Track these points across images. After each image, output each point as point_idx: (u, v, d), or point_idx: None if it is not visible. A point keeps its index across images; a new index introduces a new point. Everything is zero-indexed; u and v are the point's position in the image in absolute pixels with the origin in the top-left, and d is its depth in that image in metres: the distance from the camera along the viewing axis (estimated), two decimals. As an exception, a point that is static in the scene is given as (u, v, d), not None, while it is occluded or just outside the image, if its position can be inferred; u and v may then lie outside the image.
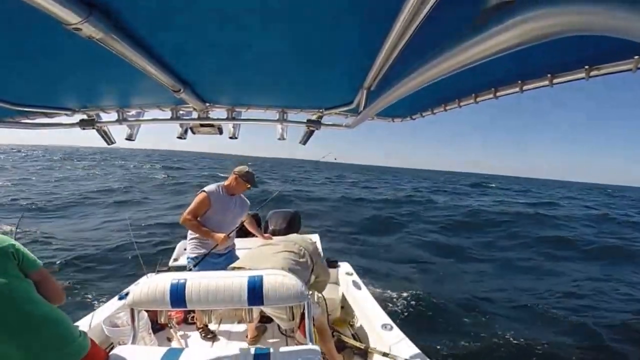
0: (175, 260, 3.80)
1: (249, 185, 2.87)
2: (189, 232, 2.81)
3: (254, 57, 1.15)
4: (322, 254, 2.44)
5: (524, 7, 0.44)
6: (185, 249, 3.87)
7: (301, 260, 2.18)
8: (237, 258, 2.71)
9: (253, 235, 3.46)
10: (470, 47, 0.59)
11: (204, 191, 2.73)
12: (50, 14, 0.63)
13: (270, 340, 2.78)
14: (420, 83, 0.87)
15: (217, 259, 2.76)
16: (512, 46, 0.50)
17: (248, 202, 3.06)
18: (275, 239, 2.82)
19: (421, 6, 0.60)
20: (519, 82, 1.17)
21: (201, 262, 2.69)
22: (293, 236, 2.62)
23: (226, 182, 2.87)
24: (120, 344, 2.19)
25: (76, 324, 1.45)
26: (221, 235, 2.67)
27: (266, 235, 3.37)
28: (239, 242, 3.13)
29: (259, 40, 1.00)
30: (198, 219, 2.69)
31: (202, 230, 2.68)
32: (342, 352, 2.46)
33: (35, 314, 1.29)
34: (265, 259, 2.14)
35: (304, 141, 2.15)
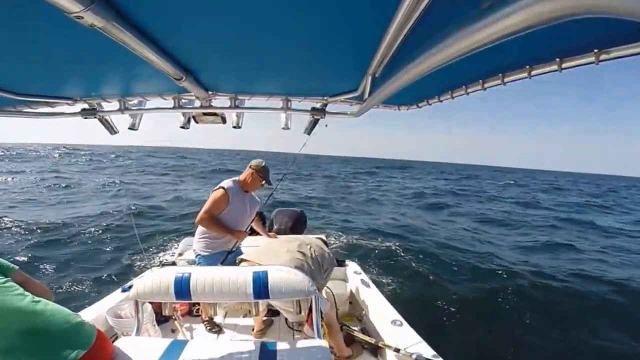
0: (180, 255, 3.81)
1: (263, 182, 2.77)
2: (199, 230, 2.74)
3: (257, 44, 1.13)
4: (331, 255, 2.42)
5: None
6: (190, 245, 3.86)
7: (310, 261, 2.15)
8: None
9: (258, 233, 3.42)
10: (477, 30, 0.57)
11: (223, 188, 2.62)
12: (52, 2, 0.63)
13: (277, 334, 2.76)
14: (426, 69, 0.85)
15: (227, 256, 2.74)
16: (520, 29, 0.48)
17: (258, 200, 2.97)
18: (286, 237, 2.76)
19: None
20: (527, 67, 1.14)
21: (209, 258, 2.67)
22: (304, 237, 2.57)
23: (241, 177, 2.77)
24: (123, 335, 2.19)
25: (78, 314, 1.46)
26: (241, 232, 2.65)
27: (271, 234, 3.32)
28: (245, 240, 3.12)
29: (261, 26, 0.98)
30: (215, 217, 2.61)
31: (222, 228, 2.62)
32: (351, 346, 2.44)
33: (34, 305, 1.30)
34: (274, 256, 2.11)
35: (309, 131, 2.12)
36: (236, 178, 2.77)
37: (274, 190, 3.36)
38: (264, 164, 2.77)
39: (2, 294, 1.27)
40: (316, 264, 2.15)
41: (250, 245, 3.20)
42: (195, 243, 2.78)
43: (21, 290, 1.34)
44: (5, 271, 1.42)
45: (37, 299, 1.34)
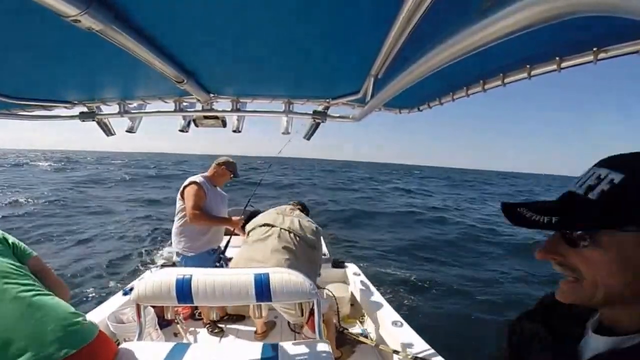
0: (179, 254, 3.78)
1: (232, 176, 2.85)
2: (176, 228, 2.66)
3: (260, 45, 1.12)
4: (321, 230, 2.32)
5: None
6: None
7: (298, 252, 2.10)
8: (230, 257, 2.67)
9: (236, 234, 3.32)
10: (479, 30, 0.58)
11: (195, 182, 2.60)
12: (48, 6, 0.61)
13: (279, 336, 2.77)
14: (429, 70, 0.85)
15: (213, 255, 2.74)
16: (522, 27, 0.49)
17: (226, 193, 3.01)
18: (259, 228, 2.35)
19: None
20: (527, 66, 1.14)
21: (194, 259, 2.62)
22: (281, 215, 2.30)
23: (208, 173, 2.80)
24: (125, 340, 2.18)
25: (81, 313, 1.42)
26: (237, 218, 2.70)
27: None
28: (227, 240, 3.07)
29: (264, 27, 0.98)
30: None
31: (217, 218, 2.65)
32: (342, 347, 2.47)
33: (37, 300, 1.23)
34: (262, 260, 2.05)
35: (309, 136, 2.10)
36: (203, 174, 2.78)
37: (257, 186, 3.69)
38: (230, 160, 2.86)
39: (7, 283, 1.20)
40: (304, 254, 2.08)
41: (237, 246, 3.15)
42: (176, 243, 2.67)
43: (30, 281, 1.26)
44: (22, 256, 1.35)
45: (43, 292, 1.26)
